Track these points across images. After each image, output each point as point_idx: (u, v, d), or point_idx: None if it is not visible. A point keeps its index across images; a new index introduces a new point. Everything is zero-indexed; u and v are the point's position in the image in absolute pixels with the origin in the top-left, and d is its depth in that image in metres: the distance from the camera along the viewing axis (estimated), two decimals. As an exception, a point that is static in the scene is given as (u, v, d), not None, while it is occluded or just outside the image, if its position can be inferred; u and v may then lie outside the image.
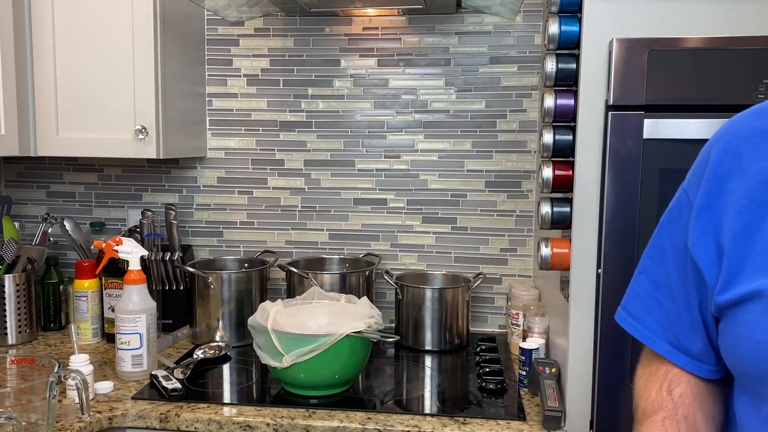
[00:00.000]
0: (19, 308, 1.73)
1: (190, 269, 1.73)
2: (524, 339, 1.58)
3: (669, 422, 0.78)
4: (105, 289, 1.76)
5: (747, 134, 0.73)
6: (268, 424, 1.30)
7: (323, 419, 1.30)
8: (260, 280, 1.78)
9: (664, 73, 1.14)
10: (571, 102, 1.26)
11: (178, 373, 1.50)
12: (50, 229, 1.87)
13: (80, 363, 1.36)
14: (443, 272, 1.87)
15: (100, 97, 1.63)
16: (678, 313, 0.80)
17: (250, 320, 1.43)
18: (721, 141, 0.76)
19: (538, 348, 1.49)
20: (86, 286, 1.76)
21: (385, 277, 1.79)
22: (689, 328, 0.79)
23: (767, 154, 0.70)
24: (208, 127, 1.95)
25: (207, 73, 1.94)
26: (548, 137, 1.29)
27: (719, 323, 0.75)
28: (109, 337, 1.75)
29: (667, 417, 0.79)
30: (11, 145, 1.57)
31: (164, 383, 1.42)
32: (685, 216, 0.78)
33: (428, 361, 1.67)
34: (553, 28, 1.24)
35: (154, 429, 1.33)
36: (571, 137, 1.26)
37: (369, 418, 1.31)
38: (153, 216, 1.82)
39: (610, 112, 1.17)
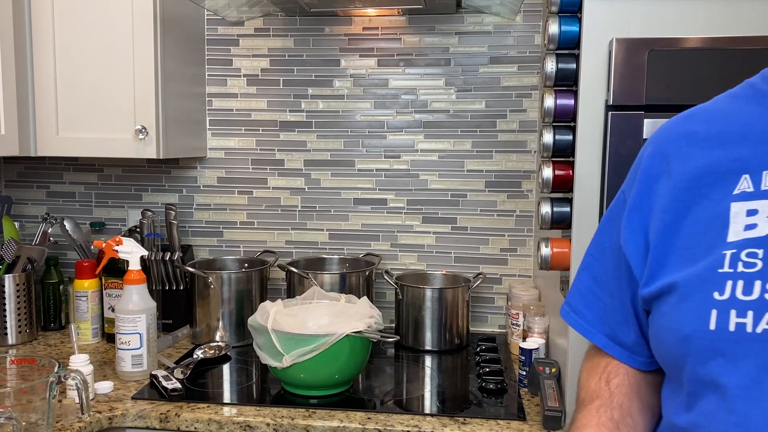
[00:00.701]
0: (19, 308, 1.73)
1: (190, 269, 1.73)
2: (524, 339, 1.58)
3: (603, 410, 0.82)
4: (105, 289, 1.76)
5: (674, 137, 0.79)
6: (268, 424, 1.30)
7: (323, 419, 1.30)
8: (260, 280, 1.78)
9: (664, 73, 1.14)
10: (571, 102, 1.26)
11: (178, 373, 1.50)
12: (50, 229, 1.87)
13: (80, 363, 1.36)
14: (443, 272, 1.87)
15: (100, 97, 1.63)
16: (614, 307, 0.84)
17: (250, 320, 1.43)
18: (652, 144, 0.82)
19: (538, 348, 1.49)
20: (86, 286, 1.76)
21: (385, 277, 1.79)
22: (624, 322, 0.84)
23: (690, 157, 0.76)
24: (208, 127, 1.95)
25: (207, 73, 1.94)
26: (548, 137, 1.29)
27: (649, 316, 0.79)
28: (109, 337, 1.75)
29: (602, 405, 0.83)
30: (11, 145, 1.57)
31: (164, 383, 1.42)
32: (622, 215, 0.82)
33: (428, 361, 1.67)
34: (553, 28, 1.24)
35: (154, 429, 1.33)
36: (571, 137, 1.26)
37: (369, 418, 1.31)
38: (153, 216, 1.82)
39: (610, 112, 1.17)
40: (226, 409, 1.35)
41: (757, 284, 0.65)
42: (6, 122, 1.54)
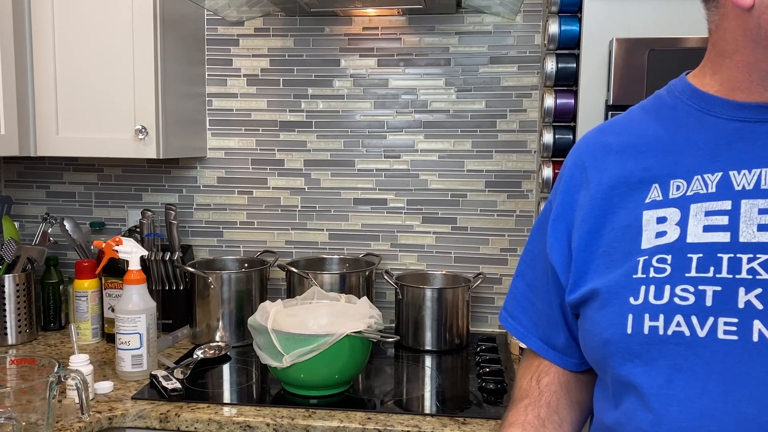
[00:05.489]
0: (19, 308, 1.73)
1: (190, 269, 1.73)
2: (524, 339, 1.58)
3: (531, 408, 0.86)
4: (105, 289, 1.76)
5: (591, 149, 0.84)
6: (268, 424, 1.30)
7: (323, 419, 1.30)
8: (260, 280, 1.78)
9: (664, 73, 1.14)
10: (571, 102, 1.26)
11: (178, 373, 1.50)
12: (50, 229, 1.86)
13: (80, 363, 1.36)
14: (443, 272, 1.87)
15: (100, 96, 1.63)
16: (546, 311, 0.88)
17: (250, 320, 1.43)
18: (572, 156, 0.87)
19: (538, 348, 1.49)
20: (86, 286, 1.76)
21: (385, 277, 1.79)
22: (554, 326, 0.87)
23: (606, 167, 0.80)
24: (208, 127, 1.95)
25: (207, 73, 1.94)
26: (548, 137, 1.30)
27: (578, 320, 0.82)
28: (109, 337, 1.75)
29: (530, 403, 0.87)
30: (11, 145, 1.57)
31: (164, 383, 1.42)
32: (548, 224, 0.87)
33: (428, 361, 1.67)
34: (553, 28, 1.25)
35: (154, 429, 1.33)
36: (571, 137, 1.27)
37: (369, 418, 1.31)
38: (153, 216, 1.82)
39: (610, 112, 1.17)
40: (226, 409, 1.35)
41: (667, 288, 0.69)
42: (6, 122, 1.54)
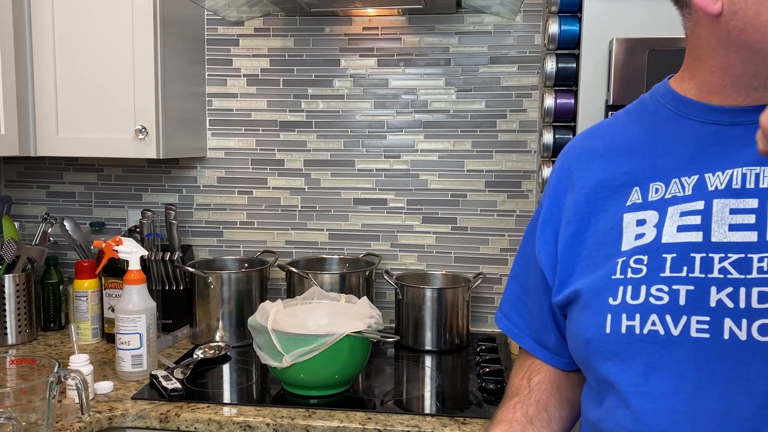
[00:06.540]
0: (19, 308, 1.73)
1: (190, 269, 1.73)
2: (524, 339, 1.58)
3: (520, 406, 0.88)
4: (105, 289, 1.76)
5: (577, 154, 0.85)
6: (268, 424, 1.30)
7: (323, 419, 1.30)
8: (260, 280, 1.78)
9: (664, 73, 1.14)
10: (571, 102, 1.26)
11: (178, 373, 1.50)
12: (50, 229, 1.86)
13: (80, 363, 1.36)
14: (443, 272, 1.87)
15: (100, 96, 1.63)
16: (537, 312, 0.90)
17: (250, 320, 1.43)
18: (560, 160, 0.89)
19: (538, 348, 1.49)
20: (86, 286, 1.76)
21: (385, 277, 1.79)
22: (545, 326, 0.89)
23: (590, 171, 0.81)
24: (208, 127, 1.95)
25: (207, 73, 1.94)
26: (548, 137, 1.30)
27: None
28: (109, 337, 1.75)
29: (519, 401, 0.88)
30: (11, 145, 1.57)
31: (164, 383, 1.42)
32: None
33: (428, 361, 1.67)
34: (553, 28, 1.25)
35: (154, 429, 1.33)
36: (571, 137, 1.27)
37: (369, 418, 1.31)
38: (153, 216, 1.82)
39: (610, 112, 1.17)
40: (226, 409, 1.35)
41: (643, 289, 0.71)
42: (6, 122, 1.54)
